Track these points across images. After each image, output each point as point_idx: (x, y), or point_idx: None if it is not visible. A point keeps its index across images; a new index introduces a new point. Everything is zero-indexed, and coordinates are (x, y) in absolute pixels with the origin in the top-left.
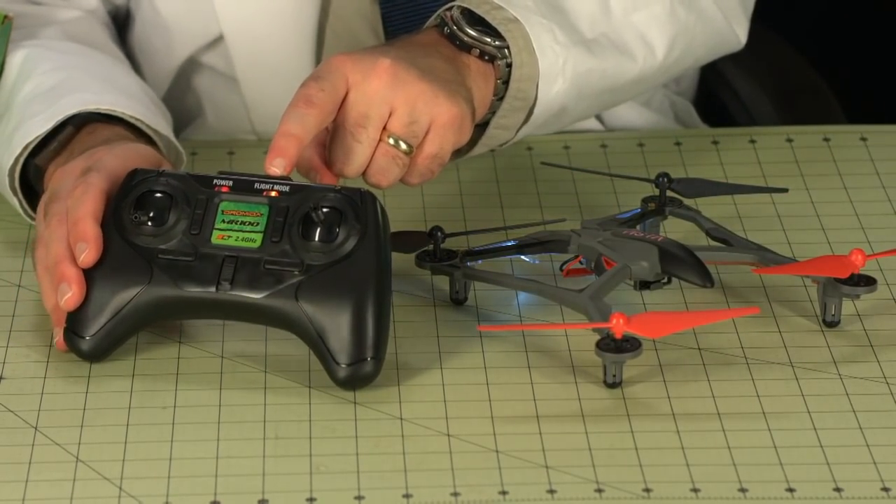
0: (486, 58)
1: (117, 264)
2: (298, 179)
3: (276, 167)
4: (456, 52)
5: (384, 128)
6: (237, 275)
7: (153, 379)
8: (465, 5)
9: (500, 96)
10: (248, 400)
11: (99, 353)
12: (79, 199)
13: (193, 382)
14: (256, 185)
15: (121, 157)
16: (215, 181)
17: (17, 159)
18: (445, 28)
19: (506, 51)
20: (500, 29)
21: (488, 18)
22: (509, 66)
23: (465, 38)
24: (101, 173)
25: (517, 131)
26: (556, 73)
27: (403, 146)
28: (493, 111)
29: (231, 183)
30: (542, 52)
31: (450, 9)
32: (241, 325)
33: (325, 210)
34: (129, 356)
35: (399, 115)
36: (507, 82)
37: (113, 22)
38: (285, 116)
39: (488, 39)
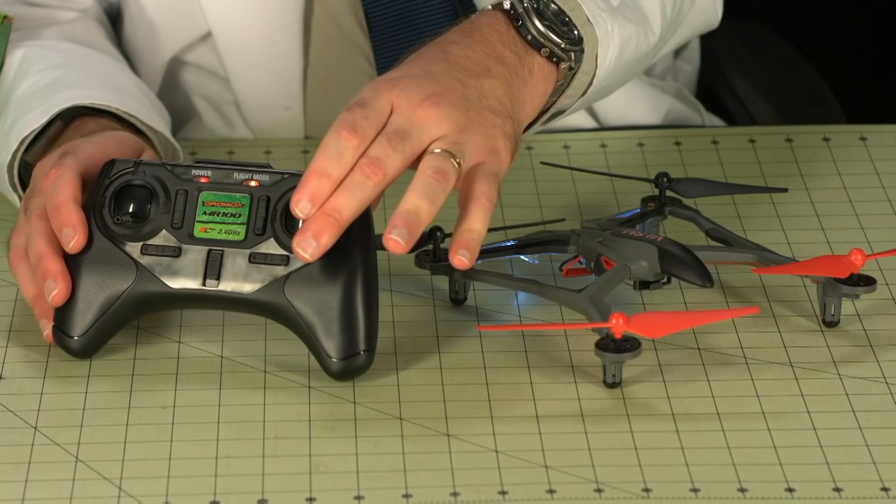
0: (554, 59)
1: (102, 262)
2: (278, 166)
3: (301, 211)
4: (523, 51)
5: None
6: (223, 270)
7: (152, 379)
8: None
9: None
10: (247, 400)
11: (89, 351)
12: (55, 183)
13: (193, 382)
14: (235, 175)
15: (97, 142)
16: (193, 171)
17: (14, 154)
18: (518, 20)
19: (572, 54)
20: (566, 8)
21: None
22: (571, 69)
23: (538, 35)
24: (76, 156)
25: (574, 103)
26: (607, 40)
27: (452, 159)
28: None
29: (209, 173)
30: (595, 21)
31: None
32: (241, 324)
33: None
34: (129, 356)
35: (446, 139)
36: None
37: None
38: (323, 147)
39: (557, 39)
